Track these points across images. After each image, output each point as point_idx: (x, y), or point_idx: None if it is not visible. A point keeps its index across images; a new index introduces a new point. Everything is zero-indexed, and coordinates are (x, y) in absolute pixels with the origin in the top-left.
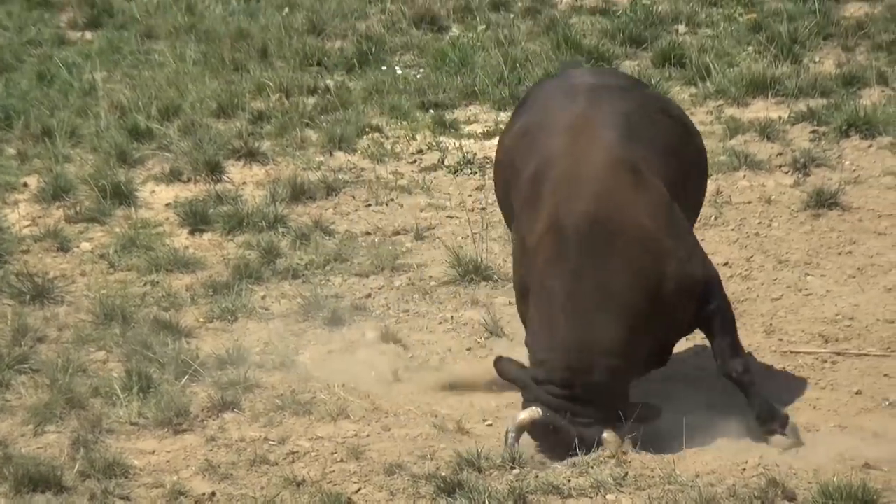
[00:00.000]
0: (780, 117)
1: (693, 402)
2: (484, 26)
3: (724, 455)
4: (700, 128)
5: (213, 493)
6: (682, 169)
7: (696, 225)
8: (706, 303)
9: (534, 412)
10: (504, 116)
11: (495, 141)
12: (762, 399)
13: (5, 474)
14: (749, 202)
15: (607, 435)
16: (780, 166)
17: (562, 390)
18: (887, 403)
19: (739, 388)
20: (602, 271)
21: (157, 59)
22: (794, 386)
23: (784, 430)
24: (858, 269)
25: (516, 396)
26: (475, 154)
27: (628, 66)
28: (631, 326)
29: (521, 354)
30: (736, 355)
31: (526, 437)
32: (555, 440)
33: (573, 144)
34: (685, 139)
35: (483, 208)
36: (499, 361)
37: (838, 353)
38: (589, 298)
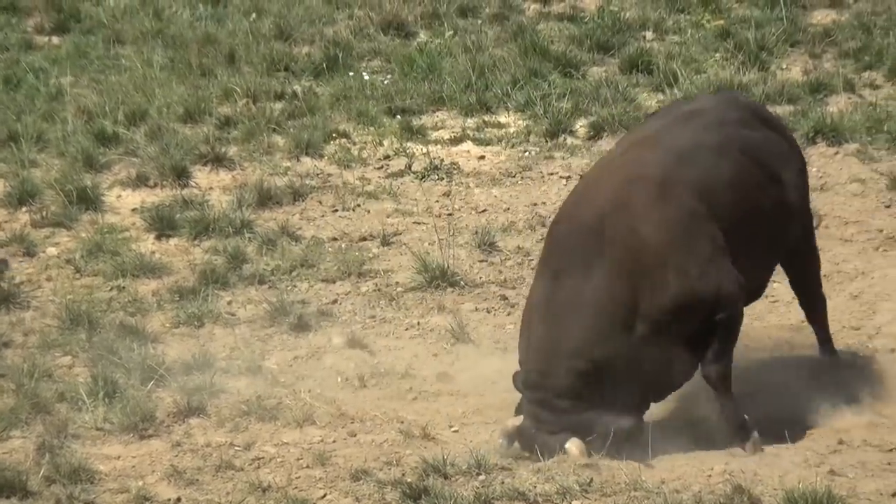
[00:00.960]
0: None
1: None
2: (451, 32)
3: (691, 461)
4: None
5: (179, 499)
6: (754, 209)
7: None
8: (712, 316)
9: (516, 419)
10: (471, 122)
11: (462, 147)
12: (731, 409)
13: None
14: None
15: (570, 445)
16: None
17: (532, 394)
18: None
19: (714, 393)
20: (582, 276)
21: (124, 63)
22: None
23: (745, 444)
24: (824, 275)
25: (483, 402)
26: (442, 160)
27: (595, 73)
28: (601, 331)
29: (487, 361)
30: (718, 361)
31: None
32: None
33: (619, 157)
34: (766, 184)
35: (450, 214)
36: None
37: None
38: (563, 301)
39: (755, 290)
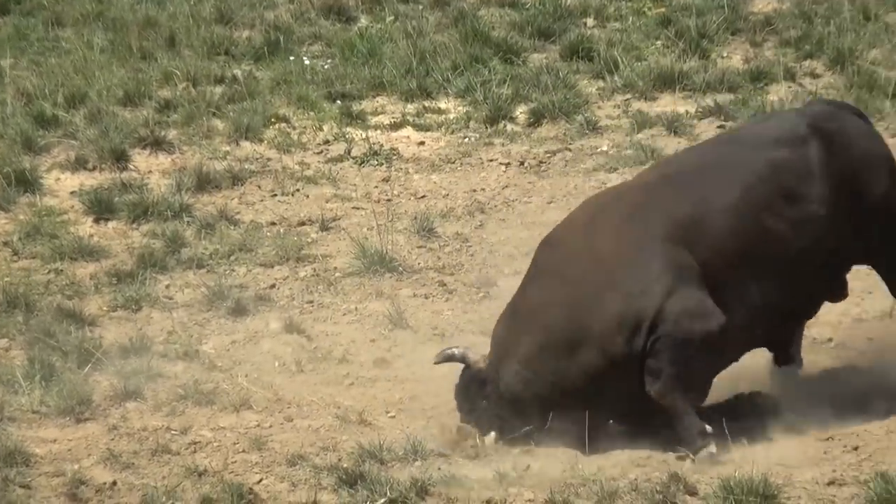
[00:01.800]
0: (687, 112)
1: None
2: (392, 17)
3: (628, 450)
4: (607, 122)
5: (115, 482)
6: (764, 234)
7: None
8: (653, 333)
9: (456, 354)
10: (411, 108)
11: (402, 132)
12: (682, 422)
13: None
14: None
15: (487, 438)
16: None
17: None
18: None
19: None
20: (542, 289)
21: (65, 46)
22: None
23: (695, 457)
24: None
25: (420, 388)
26: (382, 145)
27: (536, 60)
28: (546, 345)
29: (425, 347)
30: (658, 378)
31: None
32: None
33: (630, 180)
34: (782, 207)
35: (389, 200)
36: None
37: None
38: (523, 311)
39: (798, 310)
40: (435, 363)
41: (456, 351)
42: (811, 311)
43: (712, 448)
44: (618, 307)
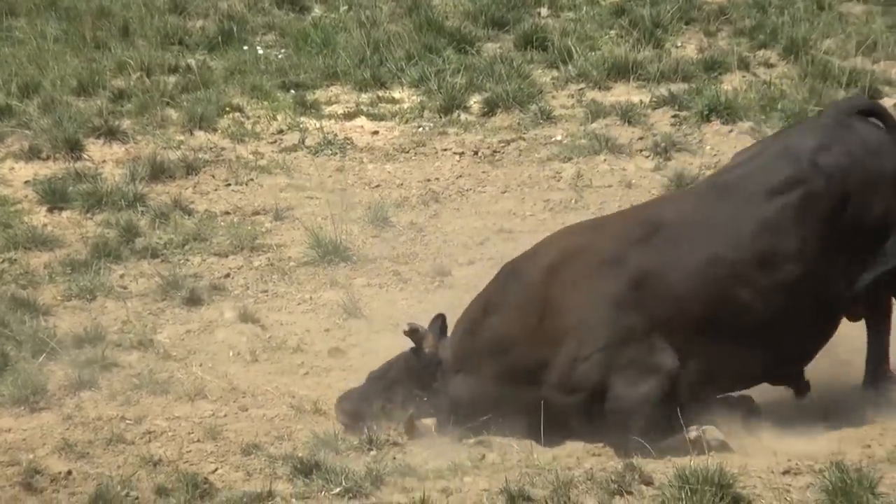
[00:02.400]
0: (641, 101)
1: None
2: (346, 7)
3: (582, 440)
4: (561, 112)
5: (70, 472)
6: (743, 290)
7: (556, 208)
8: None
9: (419, 332)
10: (366, 98)
11: (356, 122)
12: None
13: None
14: (610, 186)
15: (405, 424)
16: (641, 150)
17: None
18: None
19: None
20: (501, 318)
21: (18, 35)
22: None
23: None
24: None
25: None
26: (336, 135)
27: (490, 49)
28: (501, 374)
29: (379, 336)
30: (626, 439)
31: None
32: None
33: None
34: (742, 283)
35: (343, 189)
36: None
37: None
38: (482, 333)
39: (793, 356)
40: (404, 332)
41: (420, 330)
42: (810, 352)
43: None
44: (564, 367)
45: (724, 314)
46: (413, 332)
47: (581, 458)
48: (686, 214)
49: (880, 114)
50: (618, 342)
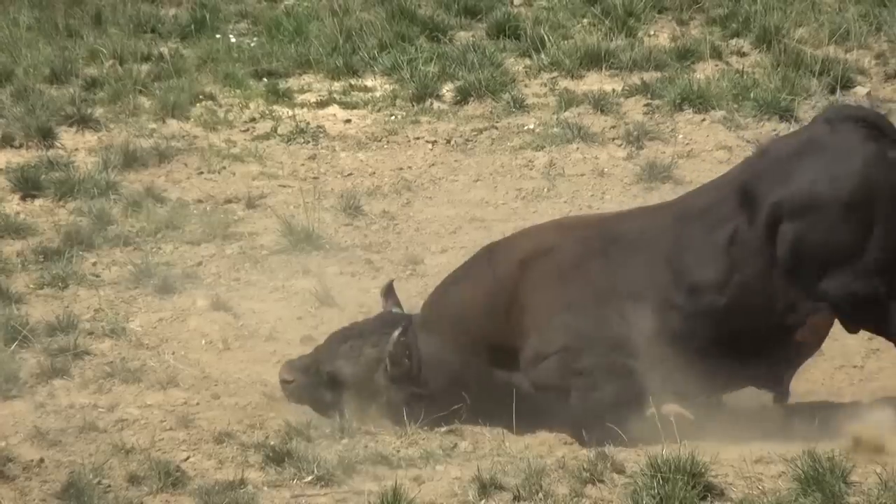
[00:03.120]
0: (613, 90)
1: None
2: None
3: (555, 428)
4: (533, 100)
5: (42, 460)
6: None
7: (529, 197)
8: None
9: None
10: (338, 86)
11: (329, 110)
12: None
13: None
14: (582, 175)
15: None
16: (614, 139)
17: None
18: None
19: None
20: (471, 293)
21: None
22: None
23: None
24: None
25: None
26: (308, 123)
27: (463, 38)
28: (464, 347)
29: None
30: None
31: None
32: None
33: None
34: (670, 307)
35: (315, 178)
36: None
37: None
38: (451, 306)
39: (757, 375)
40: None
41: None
42: (774, 372)
43: None
44: (529, 361)
45: (664, 335)
46: (388, 292)
47: (553, 446)
48: (635, 233)
49: (874, 122)
50: (575, 348)
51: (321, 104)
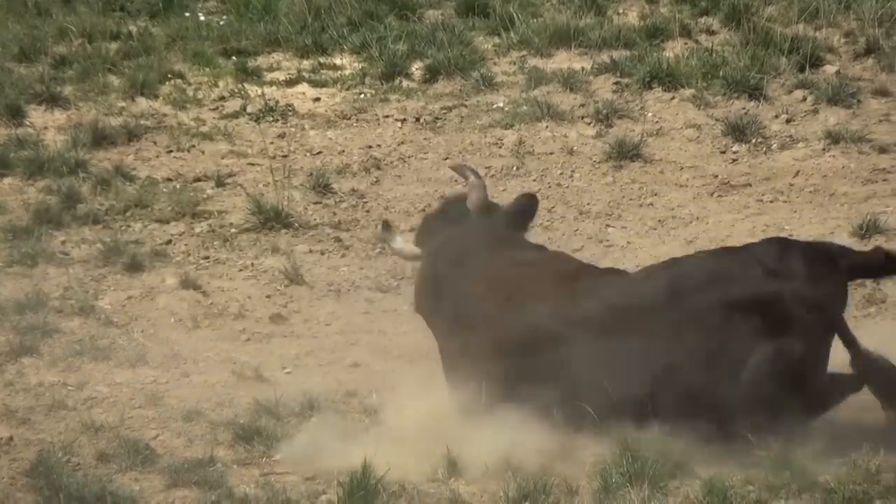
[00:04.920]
0: (583, 68)
1: None
2: None
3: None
4: (502, 78)
5: (11, 438)
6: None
7: (498, 175)
8: None
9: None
10: (307, 64)
11: (298, 88)
12: None
13: None
14: (551, 153)
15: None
16: (583, 117)
17: None
18: None
19: None
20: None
21: None
22: None
23: None
24: (659, 220)
25: (316, 344)
26: (277, 101)
27: (432, 16)
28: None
29: (320, 303)
30: None
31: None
32: None
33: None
34: None
35: (285, 156)
36: None
37: None
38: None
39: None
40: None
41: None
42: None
43: None
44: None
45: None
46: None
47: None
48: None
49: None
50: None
51: (290, 82)
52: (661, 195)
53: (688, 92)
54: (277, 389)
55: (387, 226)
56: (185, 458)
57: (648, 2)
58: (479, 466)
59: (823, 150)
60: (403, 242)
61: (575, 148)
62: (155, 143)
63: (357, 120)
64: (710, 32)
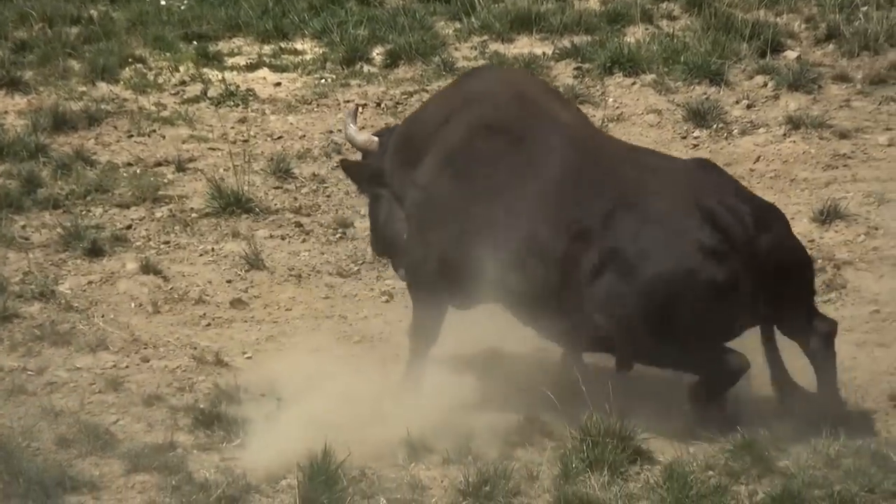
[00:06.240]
0: (544, 53)
1: None
2: None
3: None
4: (464, 63)
5: None
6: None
7: None
8: None
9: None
10: (268, 49)
11: (259, 73)
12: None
13: None
14: None
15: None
16: None
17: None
18: None
19: None
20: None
21: None
22: None
23: None
24: None
25: (276, 329)
26: (238, 86)
27: (392, 1)
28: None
29: (281, 288)
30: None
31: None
32: None
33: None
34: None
35: (245, 141)
36: None
37: None
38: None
39: None
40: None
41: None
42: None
43: None
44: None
45: None
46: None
47: (483, 408)
48: None
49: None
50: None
51: (251, 67)
52: None
53: (649, 77)
54: (238, 374)
55: (353, 111)
56: (145, 443)
57: None
58: (440, 451)
59: (784, 135)
60: (357, 131)
61: None
62: (115, 127)
63: (318, 105)
64: (672, 18)
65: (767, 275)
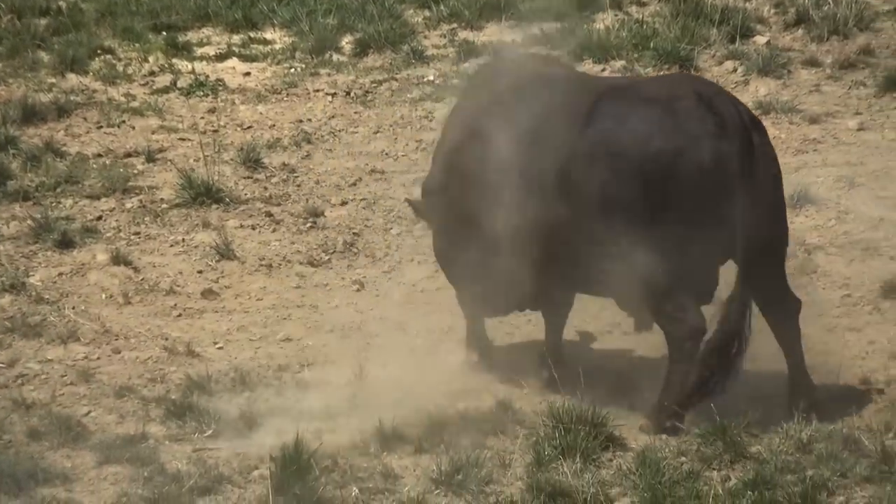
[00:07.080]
0: (513, 41)
1: None
2: None
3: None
4: (433, 51)
5: None
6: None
7: (429, 148)
8: None
9: None
10: (237, 39)
11: (228, 63)
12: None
13: None
14: None
15: None
16: None
17: None
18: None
19: None
20: None
21: None
22: None
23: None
24: None
25: (247, 319)
26: (207, 76)
27: None
28: None
29: (252, 278)
30: None
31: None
32: None
33: None
34: None
35: (215, 131)
36: None
37: None
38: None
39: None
40: None
41: None
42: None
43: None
44: None
45: None
46: None
47: (456, 397)
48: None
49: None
50: None
51: (220, 57)
52: None
53: (619, 63)
54: (209, 365)
55: None
56: (116, 434)
57: None
58: (412, 440)
59: None
60: None
61: None
62: (85, 118)
63: (287, 94)
64: (641, 4)
65: (755, 177)
